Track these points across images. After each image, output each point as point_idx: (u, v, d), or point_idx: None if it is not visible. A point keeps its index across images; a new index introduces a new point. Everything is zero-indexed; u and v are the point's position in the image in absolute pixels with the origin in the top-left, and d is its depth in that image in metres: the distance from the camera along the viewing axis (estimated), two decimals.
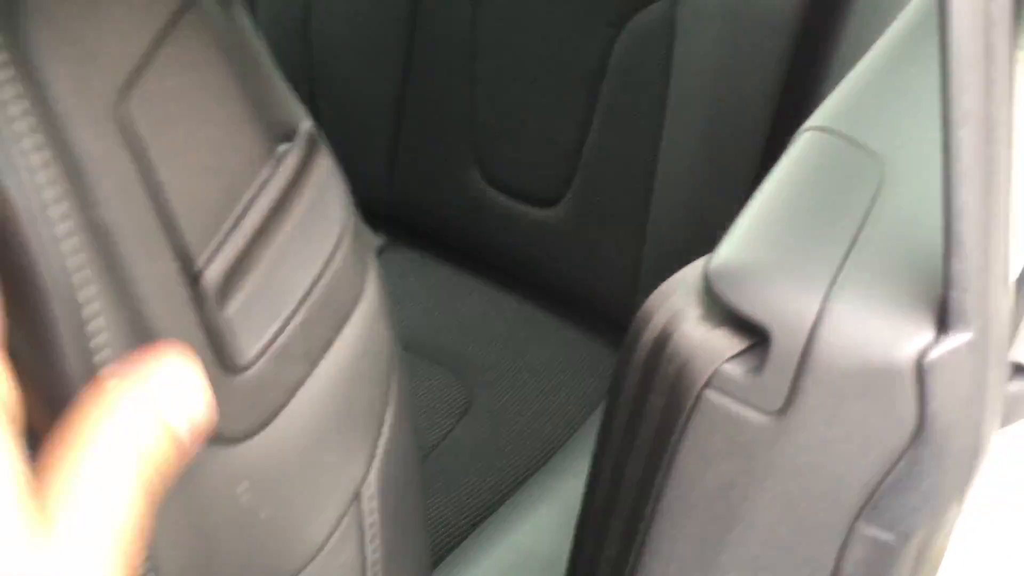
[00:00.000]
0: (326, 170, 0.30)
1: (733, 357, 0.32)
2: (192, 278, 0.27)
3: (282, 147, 0.29)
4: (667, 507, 0.35)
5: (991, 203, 0.28)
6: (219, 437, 0.28)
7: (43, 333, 0.23)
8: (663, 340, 0.34)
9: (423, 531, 0.39)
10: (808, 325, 0.31)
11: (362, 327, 0.32)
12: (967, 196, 0.28)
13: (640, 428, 0.35)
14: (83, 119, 0.24)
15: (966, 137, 0.27)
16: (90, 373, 0.24)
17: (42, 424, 0.22)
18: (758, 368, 0.32)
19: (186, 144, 0.26)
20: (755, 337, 0.32)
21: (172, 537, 0.27)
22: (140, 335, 0.25)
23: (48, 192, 0.22)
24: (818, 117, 0.38)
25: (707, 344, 0.33)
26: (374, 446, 0.34)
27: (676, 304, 0.34)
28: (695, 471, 0.34)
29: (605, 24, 0.68)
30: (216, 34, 0.27)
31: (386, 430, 0.34)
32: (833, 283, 0.32)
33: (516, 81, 0.74)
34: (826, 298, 0.31)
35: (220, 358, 0.28)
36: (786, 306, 0.32)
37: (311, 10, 0.79)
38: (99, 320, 0.24)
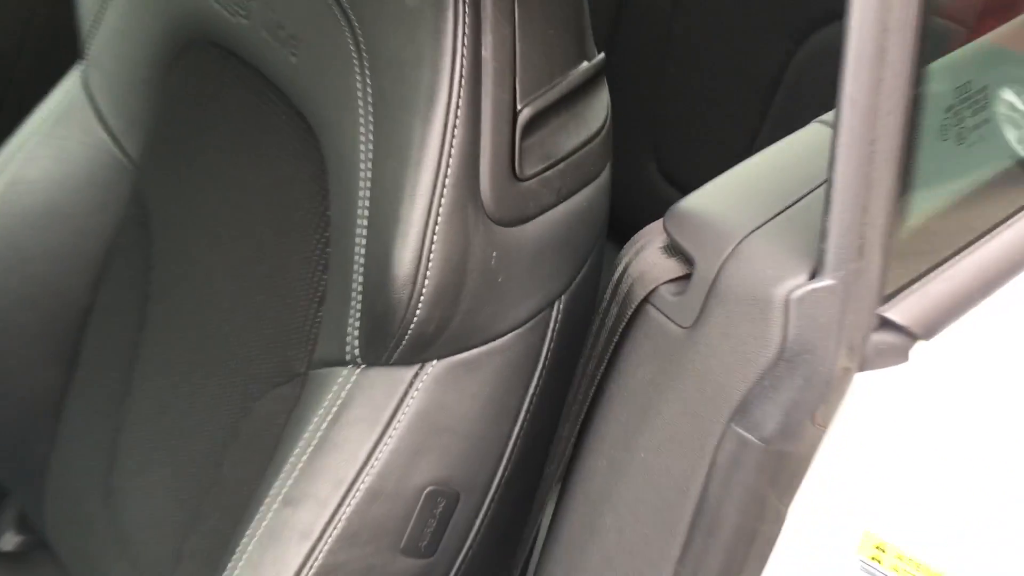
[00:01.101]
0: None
1: (670, 281, 0.40)
2: (513, 113, 0.47)
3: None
4: (607, 395, 0.44)
5: (867, 174, 0.35)
6: (498, 220, 0.48)
7: None
8: (628, 263, 0.42)
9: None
10: (721, 260, 0.39)
11: (592, 194, 0.52)
12: (841, 167, 0.36)
13: (600, 332, 0.44)
14: None
15: (847, 120, 0.35)
16: None
17: None
18: (683, 291, 0.40)
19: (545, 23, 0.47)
20: (690, 267, 0.40)
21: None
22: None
23: None
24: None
25: (654, 268, 0.41)
26: (572, 278, 0.52)
27: (648, 236, 0.42)
28: (629, 368, 0.43)
29: (787, 39, 0.76)
30: None
31: (585, 269, 0.52)
32: (754, 231, 0.39)
33: (699, 83, 0.83)
34: (741, 241, 0.39)
35: (512, 169, 0.48)
36: (710, 244, 0.39)
37: None
38: None
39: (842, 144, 0.36)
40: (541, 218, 0.50)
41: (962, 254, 0.41)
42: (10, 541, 0.96)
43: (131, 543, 0.74)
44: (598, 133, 0.52)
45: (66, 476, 0.82)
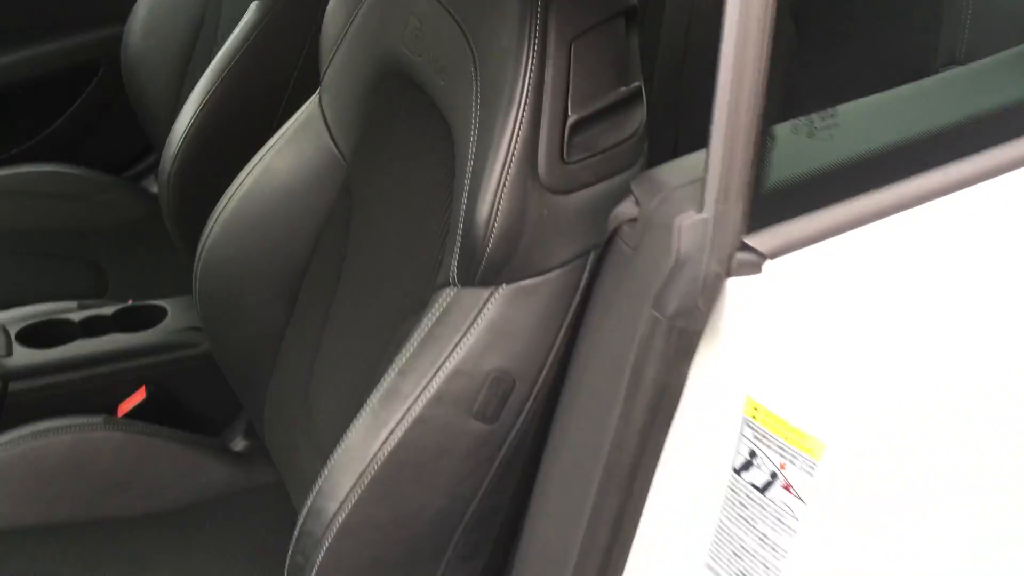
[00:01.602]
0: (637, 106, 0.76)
1: (630, 220, 0.62)
2: (564, 118, 0.71)
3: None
4: (591, 301, 0.66)
5: (731, 149, 0.56)
6: (550, 189, 0.71)
7: None
8: (614, 213, 0.64)
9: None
10: (654, 204, 0.60)
11: (624, 179, 0.73)
12: (714, 143, 0.56)
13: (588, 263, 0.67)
14: None
15: (718, 115, 0.55)
16: None
17: None
18: (634, 226, 0.61)
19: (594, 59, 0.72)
20: (640, 210, 0.62)
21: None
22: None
23: None
24: None
25: (623, 213, 0.63)
26: (603, 236, 0.72)
27: (632, 191, 0.64)
28: (602, 279, 0.64)
29: None
30: None
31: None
32: (678, 187, 0.60)
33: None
34: (668, 193, 0.60)
35: (560, 155, 0.72)
36: (651, 195, 0.61)
37: None
38: None
39: (715, 129, 0.56)
40: (582, 192, 0.73)
41: (805, 213, 0.60)
42: (239, 444, 1.27)
43: (316, 432, 1.02)
44: (631, 136, 0.74)
45: (280, 390, 1.12)
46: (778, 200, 0.60)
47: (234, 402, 1.22)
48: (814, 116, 0.63)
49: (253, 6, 1.30)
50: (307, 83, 1.13)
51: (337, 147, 1.06)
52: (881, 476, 0.59)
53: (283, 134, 1.10)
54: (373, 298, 0.96)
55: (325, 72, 1.07)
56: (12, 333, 1.25)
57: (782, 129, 0.61)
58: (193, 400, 1.27)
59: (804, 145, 0.63)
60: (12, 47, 1.64)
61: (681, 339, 0.60)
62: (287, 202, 1.10)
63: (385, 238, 0.97)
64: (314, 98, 1.09)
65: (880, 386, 0.58)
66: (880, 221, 0.61)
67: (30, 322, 1.28)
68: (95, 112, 1.78)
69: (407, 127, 0.93)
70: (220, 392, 1.21)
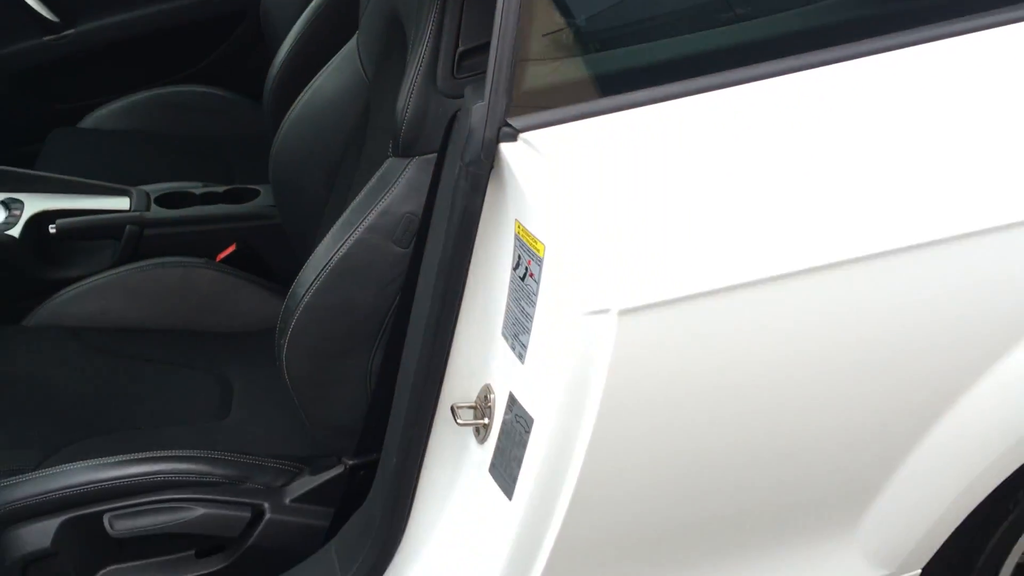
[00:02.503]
0: None
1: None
2: (455, 48, 1.11)
3: None
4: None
5: (500, 52, 0.93)
6: (444, 93, 1.13)
7: None
8: None
9: None
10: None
11: None
12: (491, 52, 0.94)
13: None
14: None
15: (496, 24, 0.93)
16: None
17: None
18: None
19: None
20: None
21: None
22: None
23: None
24: None
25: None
26: None
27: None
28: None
29: None
30: None
31: None
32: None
33: None
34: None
35: (452, 72, 1.13)
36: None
37: None
38: None
39: (491, 46, 0.94)
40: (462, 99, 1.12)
41: (554, 106, 0.97)
42: None
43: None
44: None
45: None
46: (537, 93, 0.97)
47: (296, 257, 1.68)
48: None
49: None
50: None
51: (365, 73, 1.49)
52: (582, 263, 0.96)
53: (332, 63, 1.55)
54: (367, 170, 1.39)
55: (361, 19, 1.50)
56: (152, 197, 1.77)
57: (554, 40, 0.99)
58: (270, 255, 1.75)
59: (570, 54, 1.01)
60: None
61: (474, 179, 0.99)
62: (331, 112, 1.54)
63: (379, 132, 1.39)
64: (354, 38, 1.52)
65: (579, 208, 0.95)
66: (604, 116, 0.98)
67: (165, 191, 1.78)
68: (245, 48, 2.29)
69: (397, 56, 1.35)
70: (287, 250, 1.67)
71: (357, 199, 1.21)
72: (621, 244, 0.95)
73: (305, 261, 1.24)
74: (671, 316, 0.95)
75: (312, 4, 1.73)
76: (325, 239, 1.22)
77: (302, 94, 1.57)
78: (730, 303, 0.96)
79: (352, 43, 1.53)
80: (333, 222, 1.25)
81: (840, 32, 1.05)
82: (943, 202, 1.02)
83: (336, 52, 1.62)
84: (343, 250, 1.19)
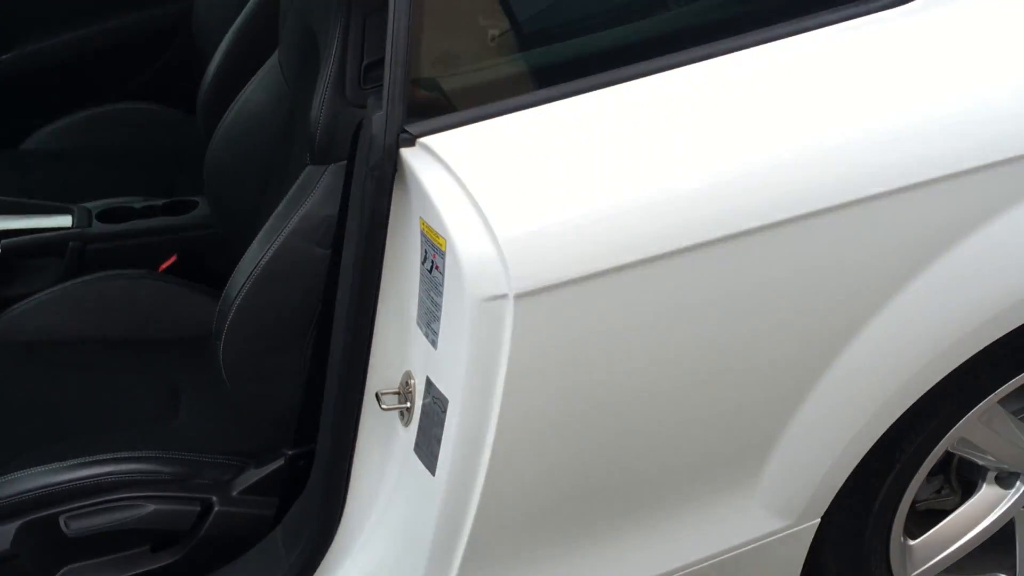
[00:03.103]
0: None
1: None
2: (361, 61, 1.21)
3: None
4: None
5: (394, 64, 1.02)
6: (351, 102, 1.22)
7: None
8: None
9: None
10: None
11: None
12: (385, 64, 1.02)
13: None
14: None
15: (388, 38, 1.02)
16: None
17: None
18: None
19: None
20: None
21: None
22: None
23: None
24: None
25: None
26: None
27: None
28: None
29: None
30: None
31: None
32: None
33: None
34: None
35: (359, 83, 1.22)
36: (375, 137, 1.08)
37: None
38: None
39: (386, 58, 1.02)
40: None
41: (448, 112, 1.06)
42: None
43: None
44: None
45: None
46: (431, 100, 1.06)
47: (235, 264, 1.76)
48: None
49: None
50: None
51: (287, 83, 1.57)
52: (480, 253, 1.04)
53: (257, 76, 1.63)
54: (292, 177, 1.47)
55: (281, 34, 1.58)
56: (94, 213, 1.83)
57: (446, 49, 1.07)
58: (210, 263, 1.82)
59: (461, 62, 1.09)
60: (109, 17, 2.23)
61: (379, 183, 1.08)
62: (258, 123, 1.62)
63: (302, 140, 1.47)
64: (276, 52, 1.60)
65: (475, 203, 1.04)
66: (494, 118, 1.07)
67: (106, 207, 1.85)
68: (179, 63, 2.35)
69: (312, 68, 1.43)
70: (226, 257, 1.75)
71: (280, 205, 1.29)
72: (515, 233, 1.04)
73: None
74: (564, 297, 1.05)
75: (238, 20, 1.80)
76: (253, 244, 1.31)
77: (231, 106, 1.65)
78: (617, 282, 1.06)
79: (274, 58, 1.60)
80: (263, 227, 1.32)
81: (709, 31, 1.15)
82: (822, 174, 1.12)
83: (261, 65, 1.69)
84: (269, 254, 1.27)
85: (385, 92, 1.05)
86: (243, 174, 1.64)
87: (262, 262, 1.27)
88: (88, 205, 1.86)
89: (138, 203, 1.89)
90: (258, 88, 1.63)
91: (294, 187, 1.29)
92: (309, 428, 1.34)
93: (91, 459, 1.38)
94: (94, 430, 1.51)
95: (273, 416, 1.38)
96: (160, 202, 1.89)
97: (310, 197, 1.25)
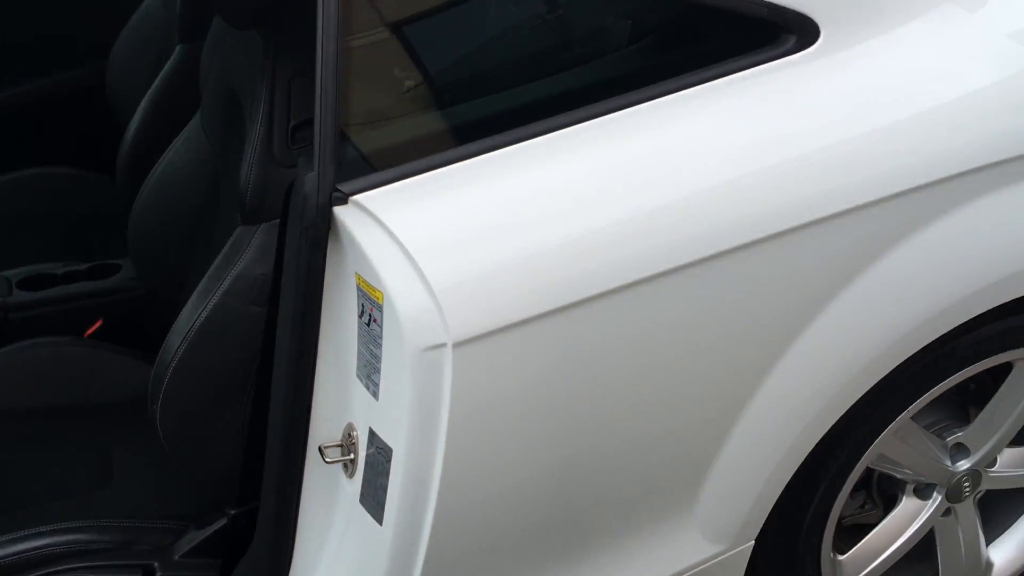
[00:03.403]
0: None
1: None
2: (288, 123, 1.26)
3: None
4: None
5: (324, 127, 1.06)
6: (280, 163, 1.24)
7: None
8: None
9: None
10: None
11: None
12: (315, 127, 1.06)
13: None
14: None
15: (316, 104, 1.05)
16: None
17: None
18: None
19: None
20: None
21: None
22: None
23: None
24: None
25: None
26: None
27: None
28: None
29: None
30: None
31: None
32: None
33: None
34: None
35: (286, 144, 1.24)
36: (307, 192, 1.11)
37: None
38: None
39: (315, 122, 1.06)
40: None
41: (378, 170, 1.10)
42: None
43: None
44: None
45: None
46: (365, 157, 1.10)
47: (163, 325, 1.75)
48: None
49: (178, 49, 1.83)
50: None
51: (211, 144, 1.58)
52: (416, 305, 1.08)
53: (180, 138, 1.64)
54: (221, 237, 1.48)
55: (203, 96, 1.60)
56: (13, 282, 1.81)
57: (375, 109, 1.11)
58: (137, 326, 1.81)
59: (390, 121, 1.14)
60: (21, 81, 2.21)
61: (313, 241, 1.11)
62: (183, 184, 1.63)
63: (230, 200, 1.49)
64: (198, 114, 1.62)
65: (409, 257, 1.07)
66: (424, 174, 1.12)
67: (26, 274, 1.83)
68: (94, 126, 2.34)
69: (237, 129, 1.45)
70: (154, 319, 1.74)
71: (213, 266, 1.31)
72: (450, 284, 1.07)
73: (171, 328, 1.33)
74: (499, 342, 1.08)
75: (155, 83, 1.81)
76: (187, 306, 1.31)
77: (154, 170, 1.66)
78: (549, 325, 1.10)
79: (196, 121, 1.62)
80: (194, 288, 1.33)
81: (615, 85, 1.21)
82: (734, 212, 1.18)
83: (183, 126, 1.71)
84: (204, 314, 1.28)
85: (316, 152, 1.08)
86: (170, 236, 1.65)
87: (197, 323, 1.28)
88: (7, 273, 1.84)
89: (59, 269, 1.87)
90: (181, 150, 1.64)
91: (226, 247, 1.30)
92: (251, 486, 1.34)
93: (26, 533, 1.37)
94: (29, 502, 1.49)
95: (214, 476, 1.38)
96: (83, 267, 1.88)
97: (243, 257, 1.27)
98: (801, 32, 1.23)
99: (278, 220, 1.25)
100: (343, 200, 1.10)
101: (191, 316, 1.30)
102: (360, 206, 1.10)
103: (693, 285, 1.15)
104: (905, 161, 1.24)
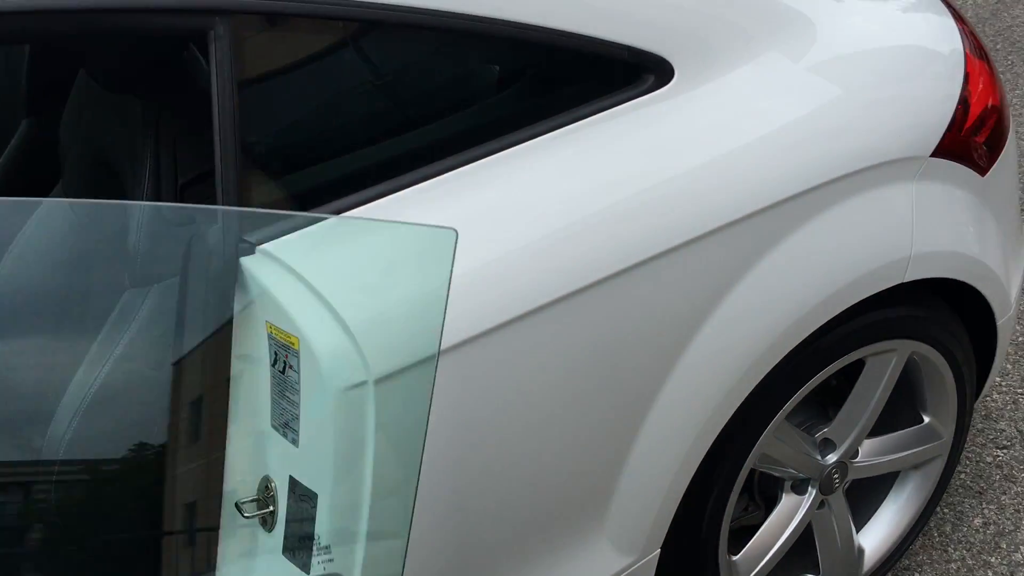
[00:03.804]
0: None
1: None
2: (176, 182, 1.29)
3: None
4: None
5: (226, 183, 1.08)
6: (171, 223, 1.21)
7: None
8: None
9: None
10: None
11: None
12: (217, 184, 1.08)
13: None
14: None
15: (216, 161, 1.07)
16: None
17: None
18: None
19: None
20: None
21: None
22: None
23: None
24: None
25: None
26: None
27: None
28: None
29: None
30: None
31: None
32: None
33: None
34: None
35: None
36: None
37: None
38: None
39: (217, 178, 1.08)
40: (194, 224, 1.24)
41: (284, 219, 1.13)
42: None
43: None
44: None
45: None
46: (268, 205, 1.12)
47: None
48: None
49: (24, 123, 1.78)
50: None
51: (76, 214, 1.55)
52: (334, 347, 1.10)
53: (38, 212, 1.59)
54: (100, 304, 1.45)
55: (64, 165, 1.56)
56: None
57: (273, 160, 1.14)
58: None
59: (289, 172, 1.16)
60: None
61: (220, 295, 1.11)
62: (46, 255, 1.58)
63: (104, 266, 1.45)
64: (59, 184, 1.58)
65: (321, 300, 1.10)
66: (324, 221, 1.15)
67: None
68: None
69: (110, 192, 1.43)
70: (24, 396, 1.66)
71: (101, 333, 1.27)
72: (365, 322, 1.10)
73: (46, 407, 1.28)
74: (415, 375, 1.11)
75: (1, 160, 1.75)
76: (76, 376, 1.27)
77: (10, 248, 1.60)
78: (460, 358, 1.15)
79: (57, 189, 1.58)
80: (77, 360, 1.29)
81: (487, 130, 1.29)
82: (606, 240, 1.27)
83: (38, 197, 1.65)
84: (99, 381, 1.25)
85: (219, 206, 1.09)
86: (34, 312, 1.59)
87: (91, 392, 1.24)
88: None
89: None
90: (42, 223, 1.59)
91: (114, 312, 1.27)
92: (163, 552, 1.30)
93: None
94: None
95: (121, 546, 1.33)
96: None
97: (135, 320, 1.25)
98: (659, 72, 1.34)
99: (173, 279, 1.24)
100: (250, 250, 1.11)
101: (83, 386, 1.26)
102: (268, 254, 1.12)
103: (580, 312, 1.23)
104: (748, 186, 1.36)
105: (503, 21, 1.22)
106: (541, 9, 1.24)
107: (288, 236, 1.14)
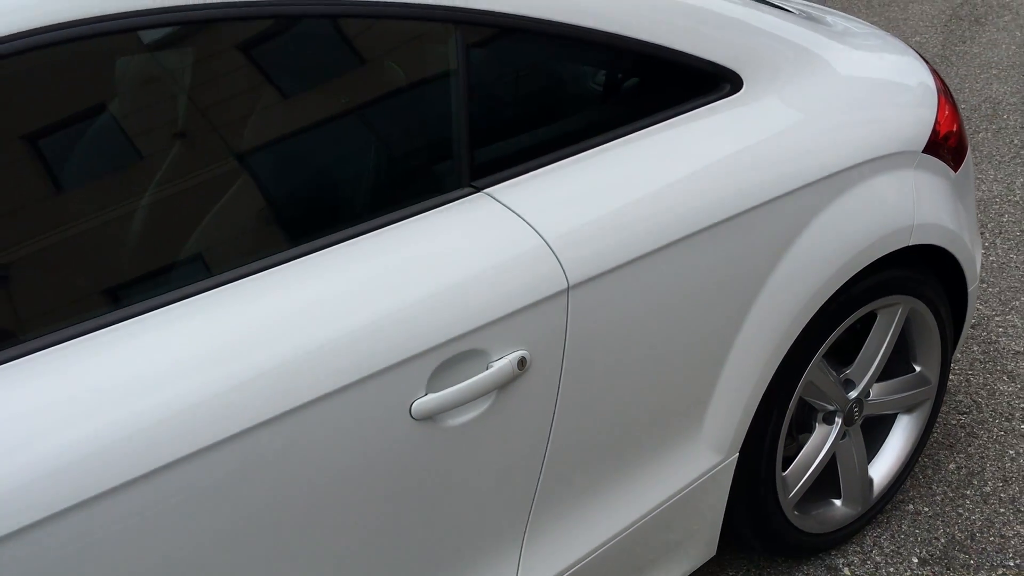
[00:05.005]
0: None
1: None
2: None
3: None
4: None
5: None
6: None
7: None
8: None
9: None
10: None
11: None
12: None
13: None
14: None
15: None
16: None
17: None
18: None
19: None
20: None
21: None
22: None
23: None
24: None
25: None
26: None
27: None
28: None
29: None
30: None
31: None
32: None
33: None
34: None
35: None
36: None
37: None
38: None
39: None
40: None
41: None
42: None
43: None
44: None
45: None
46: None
47: None
48: None
49: None
50: None
51: None
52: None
53: None
54: None
55: None
56: None
57: None
58: None
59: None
60: None
61: None
62: None
63: None
64: None
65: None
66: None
67: None
68: None
69: None
70: None
71: None
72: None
73: None
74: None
75: None
76: None
77: None
78: (608, 283, 1.53)
79: None
80: None
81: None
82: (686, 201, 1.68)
83: None
84: None
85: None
86: None
87: None
88: None
89: None
90: None
91: None
92: None
93: None
94: None
95: None
96: None
97: None
98: (733, 83, 1.78)
99: None
100: None
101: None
102: None
103: (690, 252, 1.62)
104: (798, 167, 1.80)
105: (632, 39, 1.64)
106: (659, 31, 1.68)
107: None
